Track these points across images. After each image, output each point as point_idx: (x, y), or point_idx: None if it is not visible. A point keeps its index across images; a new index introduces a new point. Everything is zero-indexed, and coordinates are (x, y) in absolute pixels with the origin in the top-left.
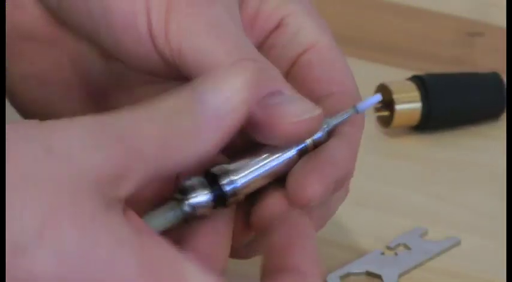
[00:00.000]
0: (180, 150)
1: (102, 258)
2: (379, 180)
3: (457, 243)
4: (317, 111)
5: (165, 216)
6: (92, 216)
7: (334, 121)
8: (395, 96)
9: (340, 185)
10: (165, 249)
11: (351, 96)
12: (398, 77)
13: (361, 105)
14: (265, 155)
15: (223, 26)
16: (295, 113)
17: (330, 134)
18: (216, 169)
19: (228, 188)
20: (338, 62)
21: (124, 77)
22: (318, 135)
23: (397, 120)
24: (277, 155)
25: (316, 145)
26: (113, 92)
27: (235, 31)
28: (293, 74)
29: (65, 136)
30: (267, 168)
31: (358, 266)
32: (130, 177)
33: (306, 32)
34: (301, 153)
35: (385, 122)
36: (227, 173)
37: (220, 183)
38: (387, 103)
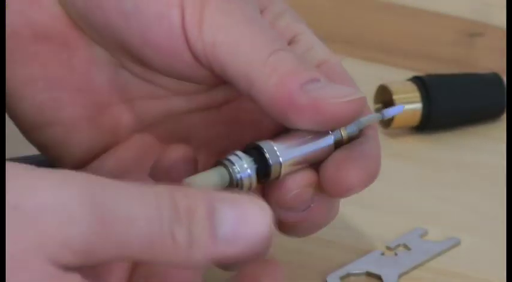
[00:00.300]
0: (164, 258)
1: None
2: (379, 181)
3: (457, 244)
4: (359, 94)
5: (210, 179)
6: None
7: (364, 121)
8: (395, 97)
9: (371, 181)
10: None
11: None
12: (398, 78)
13: (387, 112)
14: (306, 138)
15: (257, 21)
16: (339, 94)
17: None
18: (261, 143)
19: (271, 162)
20: (347, 76)
21: (128, 88)
22: (352, 129)
23: (397, 121)
24: (316, 140)
25: (350, 139)
26: (116, 103)
27: (268, 26)
28: None
29: (38, 202)
30: (307, 150)
31: (358, 267)
32: (100, 254)
33: (318, 50)
34: (337, 144)
35: (386, 122)
36: (272, 147)
37: (266, 156)
38: (388, 104)
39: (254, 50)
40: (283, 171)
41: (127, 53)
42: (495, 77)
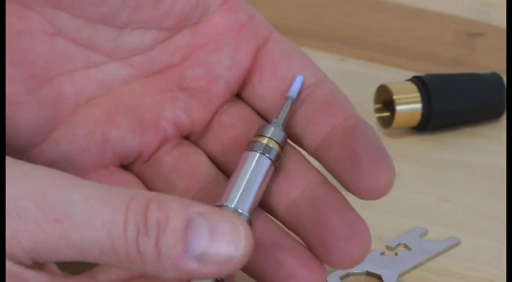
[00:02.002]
0: (131, 265)
1: None
2: None
3: (457, 243)
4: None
5: None
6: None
7: (281, 117)
8: (395, 97)
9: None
10: None
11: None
12: (398, 78)
13: (291, 92)
14: (245, 176)
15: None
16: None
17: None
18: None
19: None
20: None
21: (65, 58)
22: (278, 135)
23: (397, 121)
24: (253, 168)
25: (282, 146)
26: (54, 76)
27: None
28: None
29: None
30: (257, 187)
31: (358, 266)
32: (49, 256)
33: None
34: (271, 154)
35: (386, 123)
36: (229, 209)
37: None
38: (388, 104)
39: None
40: (250, 217)
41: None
42: (495, 77)
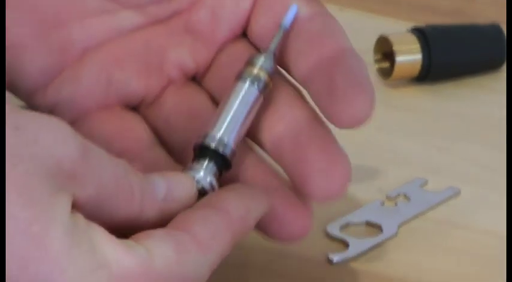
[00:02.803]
0: (123, 208)
1: (36, 234)
2: (380, 131)
3: (457, 194)
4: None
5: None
6: (38, 195)
7: (273, 46)
8: (395, 48)
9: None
10: (96, 232)
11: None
12: (398, 29)
13: (285, 22)
14: (233, 105)
15: None
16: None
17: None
18: (206, 141)
19: (228, 155)
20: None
21: (76, 3)
22: (268, 65)
23: (397, 72)
24: (241, 98)
25: (271, 76)
26: (65, 21)
27: None
28: None
29: (37, 122)
30: (244, 116)
31: (358, 216)
32: (82, 185)
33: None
34: (260, 84)
35: (386, 73)
36: (214, 138)
37: (216, 150)
38: (387, 55)
39: None
40: (235, 148)
41: None
42: (495, 28)
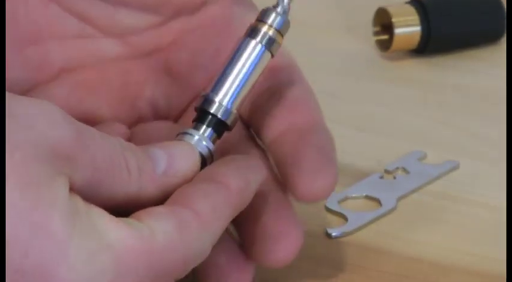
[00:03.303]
0: (121, 186)
1: (37, 220)
2: (378, 104)
3: (456, 167)
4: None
5: None
6: (37, 181)
7: (286, 3)
8: (394, 20)
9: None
10: (97, 214)
11: None
12: (397, 1)
13: None
14: (237, 64)
15: None
16: None
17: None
18: (205, 104)
19: (225, 118)
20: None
21: (58, 24)
22: (279, 22)
23: (396, 43)
24: (246, 58)
25: (280, 32)
26: (44, 39)
27: None
28: None
29: (29, 107)
30: (244, 75)
31: (356, 190)
32: (77, 167)
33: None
34: (269, 43)
35: (384, 45)
36: (213, 102)
37: (214, 114)
38: (386, 27)
39: None
40: (235, 112)
41: None
42: (495, 0)
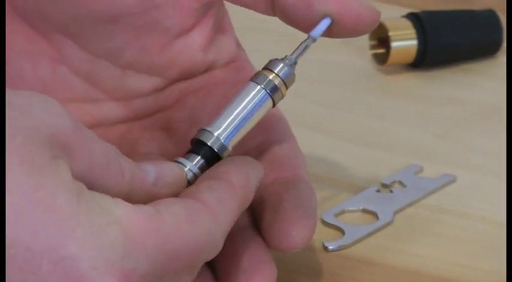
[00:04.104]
0: (113, 184)
1: (43, 199)
2: (375, 118)
3: (453, 181)
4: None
5: None
6: (40, 162)
7: (295, 55)
8: (391, 34)
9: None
10: (100, 195)
11: None
12: (393, 15)
13: (315, 32)
14: (239, 105)
15: None
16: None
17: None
18: (203, 136)
19: (219, 151)
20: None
21: (64, 87)
22: (286, 73)
23: (393, 57)
24: (249, 100)
25: (288, 85)
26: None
27: None
28: None
29: (28, 97)
30: (247, 119)
31: (353, 204)
32: (76, 157)
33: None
34: (273, 90)
35: (381, 59)
36: (211, 135)
37: (214, 150)
38: (383, 40)
39: None
40: (231, 149)
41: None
42: (491, 13)
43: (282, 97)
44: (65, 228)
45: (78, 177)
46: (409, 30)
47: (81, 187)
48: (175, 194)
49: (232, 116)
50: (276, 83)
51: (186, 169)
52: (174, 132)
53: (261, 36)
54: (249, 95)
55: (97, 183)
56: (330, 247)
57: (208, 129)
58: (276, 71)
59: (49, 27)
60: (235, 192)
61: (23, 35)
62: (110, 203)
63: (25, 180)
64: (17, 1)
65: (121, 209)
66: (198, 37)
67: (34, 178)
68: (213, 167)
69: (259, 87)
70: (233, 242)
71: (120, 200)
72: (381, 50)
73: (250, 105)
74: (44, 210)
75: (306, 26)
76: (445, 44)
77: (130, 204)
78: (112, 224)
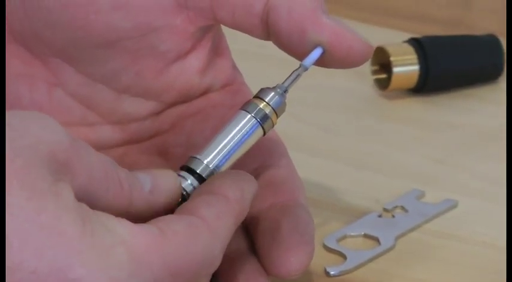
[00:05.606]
0: (113, 199)
1: (46, 222)
2: (377, 143)
3: (454, 206)
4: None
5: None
6: (41, 185)
7: (287, 83)
8: (392, 59)
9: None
10: (104, 215)
11: None
12: (395, 40)
13: (306, 61)
14: (229, 133)
15: None
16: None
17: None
18: (193, 164)
19: (206, 176)
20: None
21: (61, 111)
22: (276, 102)
23: (394, 82)
24: (239, 129)
25: (278, 113)
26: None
27: None
28: None
29: (24, 116)
30: (237, 147)
31: (355, 229)
32: (74, 174)
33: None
34: (263, 119)
35: (383, 84)
36: (200, 163)
37: (199, 173)
38: (385, 66)
39: None
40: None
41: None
42: (492, 38)
43: (273, 126)
44: (71, 250)
45: (79, 192)
46: (411, 55)
47: (84, 208)
48: (172, 202)
49: (222, 145)
50: (267, 112)
51: (187, 183)
52: (170, 156)
53: (260, 61)
54: (239, 124)
55: (97, 196)
56: (332, 272)
57: (198, 157)
58: (266, 100)
59: (46, 51)
60: (232, 207)
61: (20, 59)
62: (114, 223)
63: (26, 204)
64: (14, 25)
65: (125, 228)
66: (194, 61)
67: (36, 201)
68: (208, 181)
69: (249, 116)
70: (232, 267)
71: (123, 220)
72: (383, 75)
73: (240, 134)
74: (48, 233)
75: (298, 53)
76: (446, 69)
77: (133, 224)
78: (117, 245)
